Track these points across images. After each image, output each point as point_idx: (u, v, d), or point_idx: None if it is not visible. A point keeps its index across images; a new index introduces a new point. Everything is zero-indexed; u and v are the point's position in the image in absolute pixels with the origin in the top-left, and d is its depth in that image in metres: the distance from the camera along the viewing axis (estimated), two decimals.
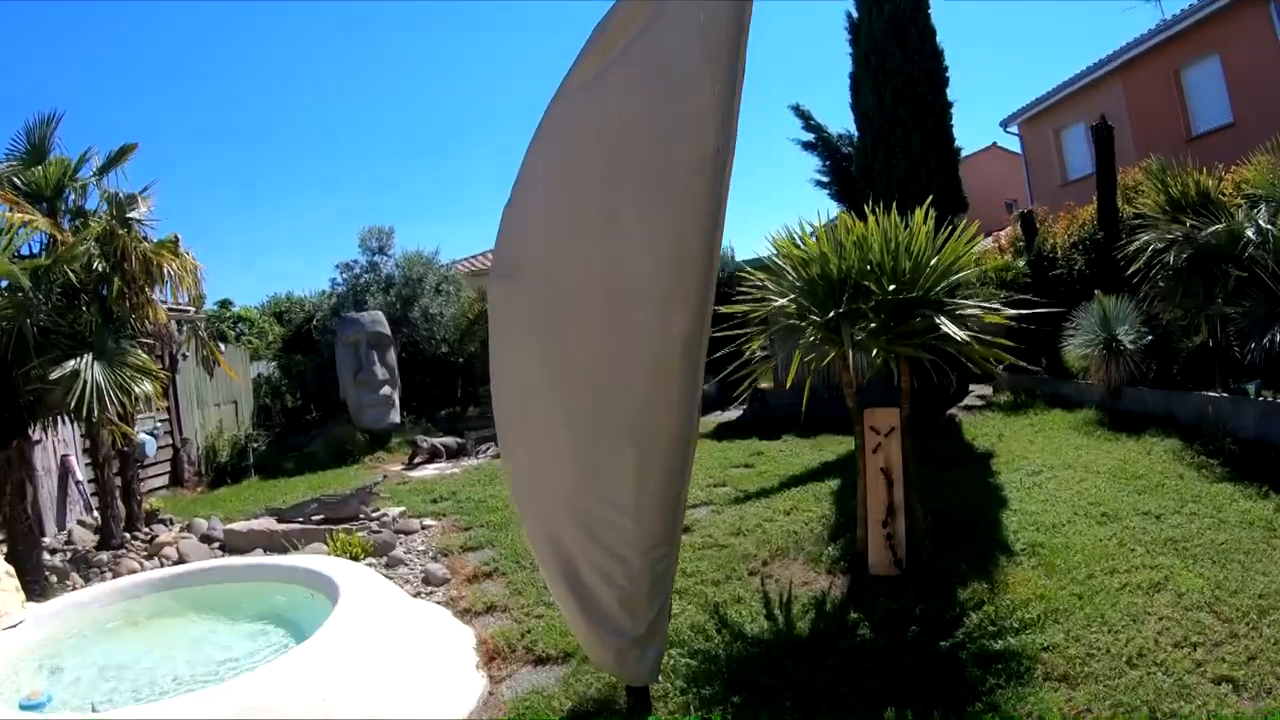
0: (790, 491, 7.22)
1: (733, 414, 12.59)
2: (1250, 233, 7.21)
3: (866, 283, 4.56)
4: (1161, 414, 8.10)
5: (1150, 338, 8.74)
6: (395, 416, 13.46)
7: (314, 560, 5.57)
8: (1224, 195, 8.02)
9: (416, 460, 12.02)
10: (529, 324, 3.14)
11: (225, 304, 19.19)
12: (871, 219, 4.59)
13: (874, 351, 4.35)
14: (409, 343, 15.15)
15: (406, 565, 6.67)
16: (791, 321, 4.83)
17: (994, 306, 4.64)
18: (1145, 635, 3.76)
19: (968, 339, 4.35)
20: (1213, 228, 7.42)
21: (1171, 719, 3.10)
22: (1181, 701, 3.19)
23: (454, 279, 16.74)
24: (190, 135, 35.64)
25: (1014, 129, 19.87)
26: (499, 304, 3.36)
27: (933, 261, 4.56)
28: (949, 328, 4.35)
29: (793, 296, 4.68)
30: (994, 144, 22.95)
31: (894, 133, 9.75)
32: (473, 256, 22.22)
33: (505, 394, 3.41)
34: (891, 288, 4.44)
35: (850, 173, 12.22)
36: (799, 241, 4.81)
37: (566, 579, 3.26)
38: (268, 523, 7.72)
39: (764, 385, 12.10)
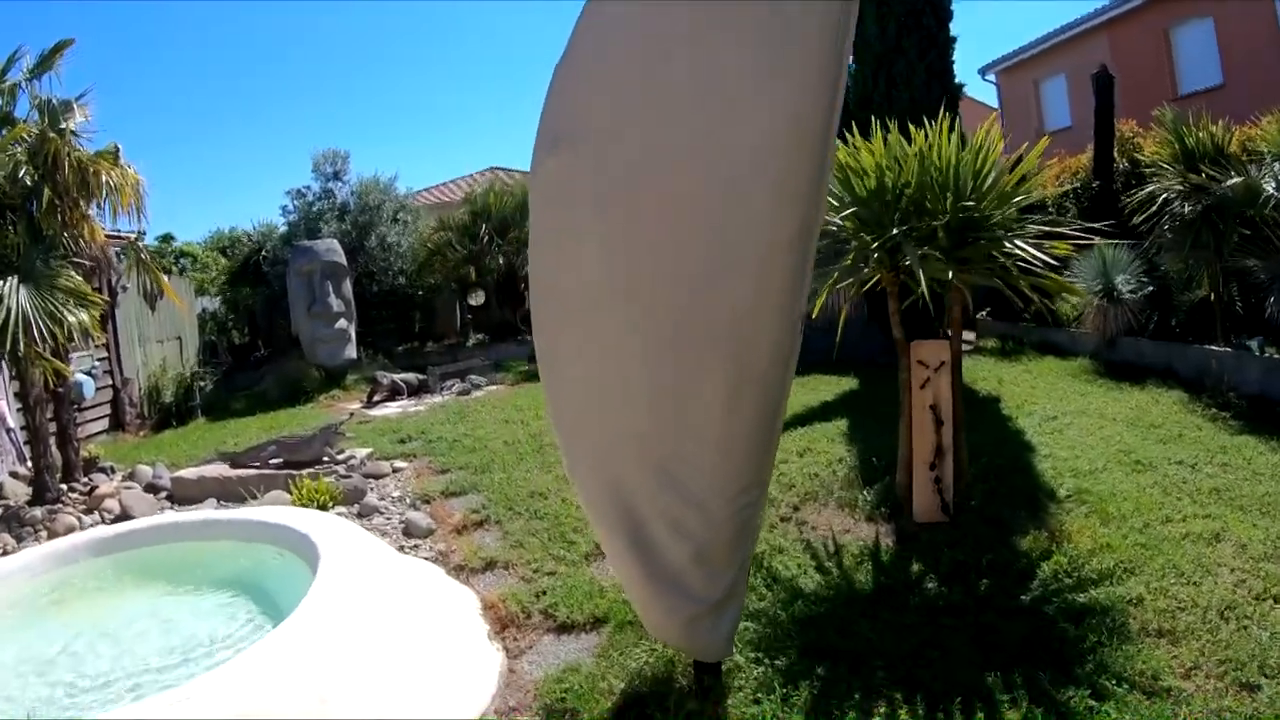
0: (797, 432, 6.77)
1: None
2: (1270, 188, 7.05)
3: (927, 201, 4.05)
4: (1161, 366, 7.97)
5: (1150, 288, 8.57)
6: (351, 352, 12.62)
7: (281, 513, 4.89)
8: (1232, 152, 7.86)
9: (376, 398, 11.30)
10: (592, 207, 2.46)
11: (166, 238, 18.09)
12: (943, 128, 4.06)
13: (949, 275, 3.86)
14: (365, 274, 14.21)
15: (382, 514, 6.07)
16: (838, 244, 4.31)
17: (1070, 233, 4.20)
18: (1224, 587, 3.58)
19: (1049, 262, 3.92)
20: (1231, 181, 7.25)
21: None
22: None
23: (413, 208, 15.76)
24: (124, 56, 33.21)
25: (991, 77, 19.55)
26: (549, 181, 2.61)
27: (1001, 181, 4.07)
28: (1026, 251, 3.91)
29: (851, 211, 4.15)
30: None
31: (896, 63, 9.23)
32: (432, 187, 21.06)
33: (553, 298, 2.71)
34: (968, 202, 3.94)
35: (845, 103, 11.65)
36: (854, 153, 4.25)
37: (627, 532, 2.71)
38: (220, 468, 7.01)
39: None
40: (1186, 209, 7.62)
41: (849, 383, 8.66)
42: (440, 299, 15.82)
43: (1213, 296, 7.90)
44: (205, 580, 4.45)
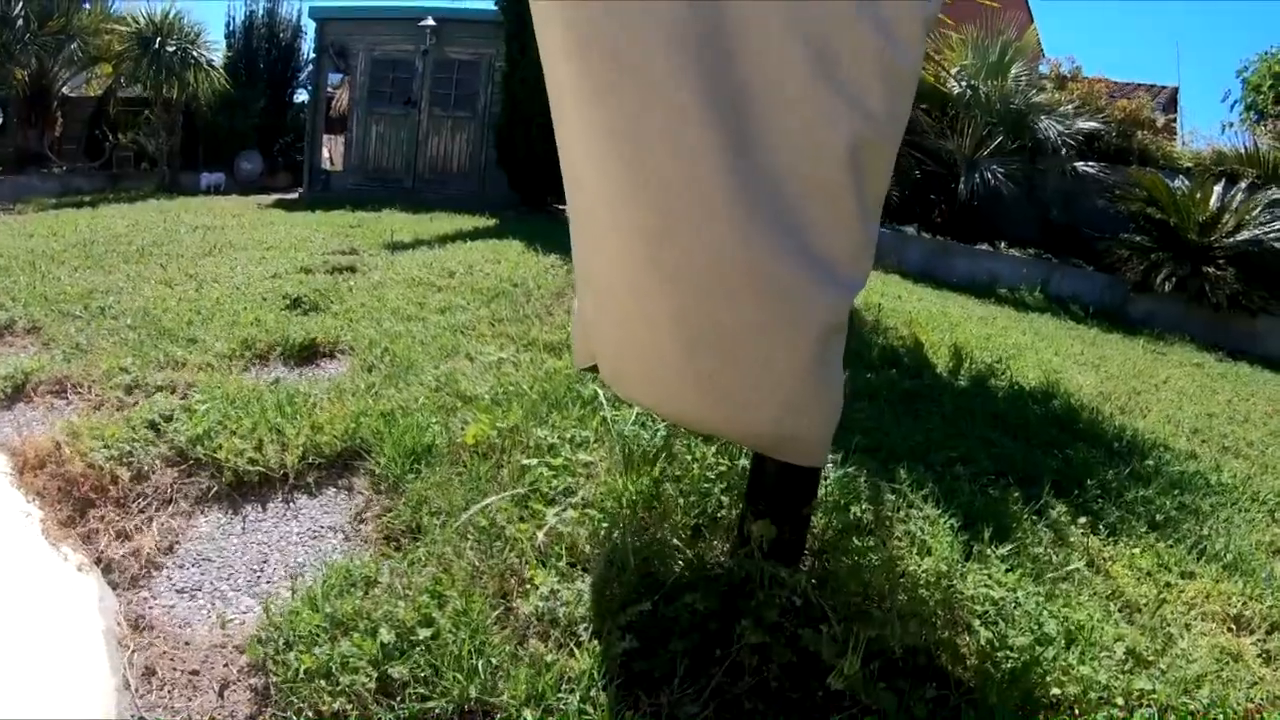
0: (467, 245, 5.44)
1: (289, 196, 9.70)
2: (960, 87, 7.56)
3: None
4: None
5: None
6: None
7: None
8: None
9: None
10: None
11: None
12: None
13: None
14: None
15: None
16: None
17: None
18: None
19: None
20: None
21: None
22: None
23: None
24: None
25: None
26: None
27: None
28: None
29: None
30: None
31: None
32: None
33: None
34: None
35: None
36: None
37: (714, 109, 1.10)
38: None
39: (329, 167, 10.41)
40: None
41: (485, 220, 7.17)
42: None
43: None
44: None
